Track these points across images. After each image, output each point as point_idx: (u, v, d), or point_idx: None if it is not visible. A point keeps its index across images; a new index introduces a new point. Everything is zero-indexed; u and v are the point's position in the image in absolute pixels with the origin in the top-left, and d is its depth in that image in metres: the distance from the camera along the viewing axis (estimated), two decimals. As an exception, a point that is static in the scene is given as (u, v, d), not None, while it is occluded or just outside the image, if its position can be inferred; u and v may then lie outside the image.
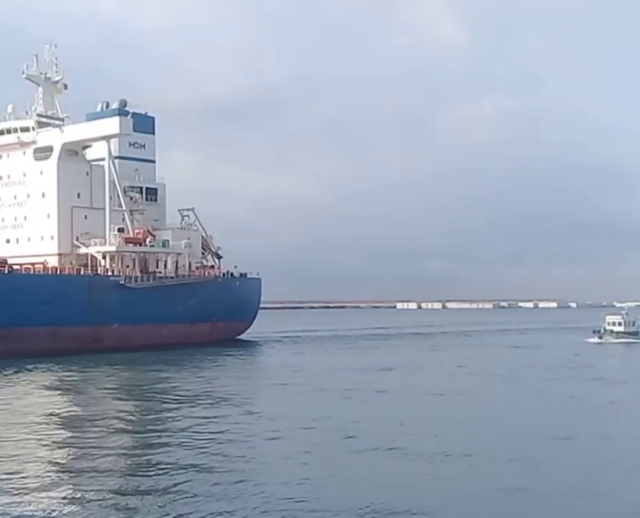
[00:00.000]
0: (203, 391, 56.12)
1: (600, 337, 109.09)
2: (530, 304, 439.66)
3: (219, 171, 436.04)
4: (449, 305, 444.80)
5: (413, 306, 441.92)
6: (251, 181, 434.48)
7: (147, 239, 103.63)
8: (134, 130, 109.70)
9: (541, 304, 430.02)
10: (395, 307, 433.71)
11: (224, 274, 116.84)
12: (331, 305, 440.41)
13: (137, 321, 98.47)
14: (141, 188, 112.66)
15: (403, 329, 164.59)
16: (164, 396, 53.67)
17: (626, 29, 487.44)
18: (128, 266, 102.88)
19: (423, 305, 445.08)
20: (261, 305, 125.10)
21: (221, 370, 73.73)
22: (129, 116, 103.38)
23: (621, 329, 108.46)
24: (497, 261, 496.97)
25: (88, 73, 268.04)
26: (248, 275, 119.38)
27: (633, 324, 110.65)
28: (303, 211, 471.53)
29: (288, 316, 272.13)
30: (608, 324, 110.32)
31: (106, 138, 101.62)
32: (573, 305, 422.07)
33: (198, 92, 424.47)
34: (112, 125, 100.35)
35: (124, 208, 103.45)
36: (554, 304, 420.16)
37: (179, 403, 49.68)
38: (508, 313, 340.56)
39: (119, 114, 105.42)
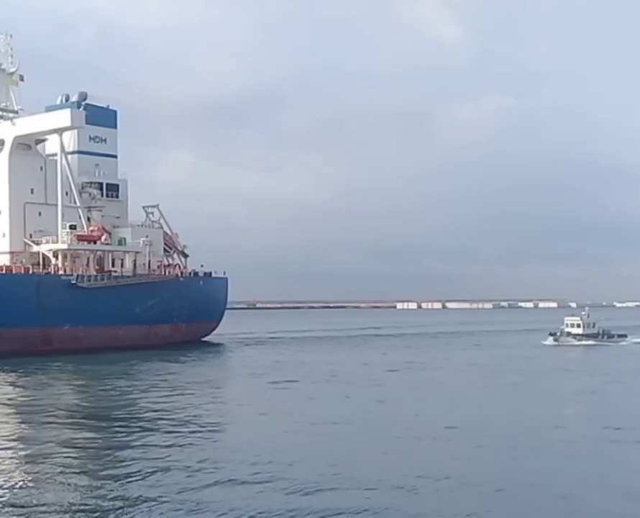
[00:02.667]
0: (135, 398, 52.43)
1: (556, 340, 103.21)
2: (530, 304, 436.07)
3: (217, 170, 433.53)
4: (449, 305, 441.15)
5: (413, 306, 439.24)
6: (249, 181, 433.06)
7: (103, 237, 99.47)
8: (94, 124, 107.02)
9: (541, 304, 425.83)
10: (395, 307, 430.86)
11: (189, 273, 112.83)
12: (331, 305, 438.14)
13: (91, 323, 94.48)
14: (101, 183, 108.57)
15: (389, 329, 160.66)
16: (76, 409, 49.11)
17: (627, 26, 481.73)
18: (83, 265, 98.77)
19: (423, 305, 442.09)
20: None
21: (164, 374, 68.88)
22: (81, 109, 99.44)
23: (580, 331, 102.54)
24: (497, 261, 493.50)
25: (86, 72, 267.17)
26: (214, 275, 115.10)
27: (594, 326, 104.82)
28: (302, 211, 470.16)
29: (286, 316, 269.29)
30: (566, 325, 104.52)
31: (59, 131, 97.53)
32: (573, 305, 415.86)
33: (196, 91, 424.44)
34: (63, 117, 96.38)
35: (77, 204, 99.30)
36: (554, 304, 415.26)
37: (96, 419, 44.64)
38: (504, 313, 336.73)
39: (77, 107, 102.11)
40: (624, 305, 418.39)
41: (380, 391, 55.41)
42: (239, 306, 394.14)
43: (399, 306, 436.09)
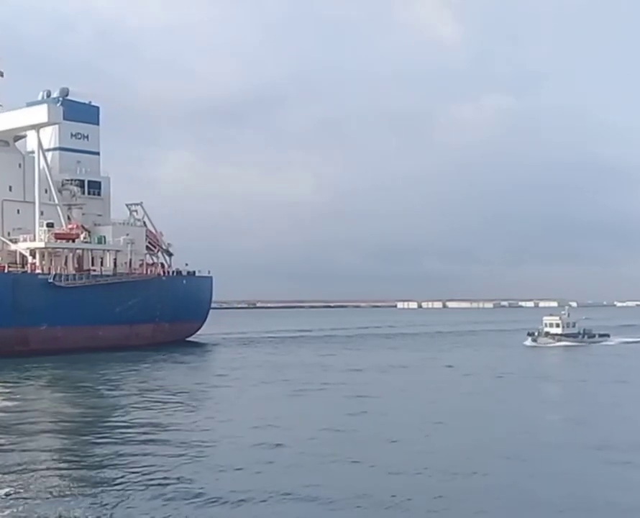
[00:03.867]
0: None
1: (534, 340, 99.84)
2: (530, 304, 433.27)
3: (217, 170, 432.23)
4: (450, 304, 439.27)
5: (413, 305, 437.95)
6: (249, 180, 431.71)
7: (82, 235, 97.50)
8: (76, 120, 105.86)
9: (541, 304, 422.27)
10: (395, 307, 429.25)
11: (173, 272, 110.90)
12: (332, 305, 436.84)
13: (69, 323, 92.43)
14: (82, 181, 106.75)
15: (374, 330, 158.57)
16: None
17: (627, 26, 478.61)
18: (62, 264, 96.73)
19: (424, 304, 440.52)
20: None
21: (143, 378, 66.48)
22: (59, 104, 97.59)
23: (559, 330, 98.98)
24: (497, 260, 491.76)
25: (86, 72, 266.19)
26: (197, 274, 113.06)
27: (574, 326, 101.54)
28: (303, 211, 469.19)
29: (286, 316, 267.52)
30: (545, 325, 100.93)
31: (36, 127, 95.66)
32: (573, 305, 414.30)
33: (196, 91, 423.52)
34: (40, 113, 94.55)
35: (56, 201, 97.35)
36: (555, 304, 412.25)
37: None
38: (504, 313, 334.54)
39: (58, 103, 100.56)
40: (624, 304, 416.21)
41: (351, 394, 53.57)
42: (239, 306, 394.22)
43: (399, 305, 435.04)
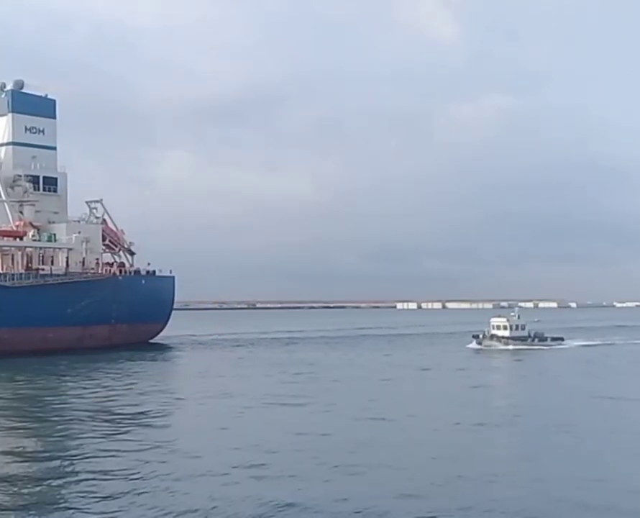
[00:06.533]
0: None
1: (479, 343, 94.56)
2: (530, 304, 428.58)
3: (217, 170, 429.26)
4: (449, 305, 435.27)
5: (413, 306, 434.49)
6: (249, 180, 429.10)
7: (30, 233, 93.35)
8: (31, 113, 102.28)
9: (541, 304, 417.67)
10: (395, 307, 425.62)
11: (131, 272, 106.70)
12: (331, 305, 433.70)
13: (15, 324, 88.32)
14: (37, 177, 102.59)
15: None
16: None
17: (628, 26, 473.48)
18: (9, 263, 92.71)
19: (423, 305, 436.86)
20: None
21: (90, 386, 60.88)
22: (3, 96, 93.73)
23: (506, 333, 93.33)
24: (497, 261, 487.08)
25: (83, 70, 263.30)
26: (158, 273, 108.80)
27: (523, 328, 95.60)
28: (302, 211, 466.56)
29: (285, 317, 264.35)
30: (492, 327, 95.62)
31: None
32: (573, 305, 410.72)
33: (195, 91, 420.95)
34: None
35: (3, 198, 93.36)
36: (554, 304, 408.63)
37: None
38: (503, 313, 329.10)
39: (3, 95, 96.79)
40: (624, 305, 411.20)
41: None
42: (239, 307, 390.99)
43: (399, 306, 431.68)
